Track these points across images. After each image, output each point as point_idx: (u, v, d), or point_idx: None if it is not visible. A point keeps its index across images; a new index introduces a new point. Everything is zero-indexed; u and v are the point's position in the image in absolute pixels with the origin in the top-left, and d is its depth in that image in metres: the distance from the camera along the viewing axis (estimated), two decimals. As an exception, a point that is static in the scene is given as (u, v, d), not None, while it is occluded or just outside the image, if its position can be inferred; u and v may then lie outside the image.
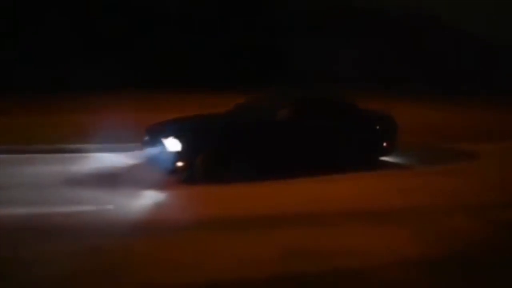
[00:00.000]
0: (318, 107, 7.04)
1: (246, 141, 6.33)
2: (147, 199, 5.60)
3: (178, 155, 6.03)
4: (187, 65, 19.10)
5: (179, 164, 6.03)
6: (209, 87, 16.80)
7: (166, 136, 6.09)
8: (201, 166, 6.04)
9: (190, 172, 6.05)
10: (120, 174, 6.46)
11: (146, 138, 6.52)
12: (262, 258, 3.68)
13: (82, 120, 9.43)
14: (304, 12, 24.14)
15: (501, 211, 5.14)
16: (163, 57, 19.42)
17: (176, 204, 5.59)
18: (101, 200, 5.23)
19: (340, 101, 7.64)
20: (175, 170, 6.07)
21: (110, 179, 6.16)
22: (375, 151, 7.44)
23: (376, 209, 5.08)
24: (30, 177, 6.05)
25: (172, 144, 6.04)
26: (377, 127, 7.53)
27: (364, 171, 6.72)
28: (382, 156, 7.62)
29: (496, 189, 6.12)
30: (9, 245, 3.80)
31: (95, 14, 19.19)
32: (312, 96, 7.70)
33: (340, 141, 7.05)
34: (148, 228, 4.44)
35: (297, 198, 5.46)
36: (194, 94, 15.01)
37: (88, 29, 18.94)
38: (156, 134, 6.33)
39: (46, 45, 17.80)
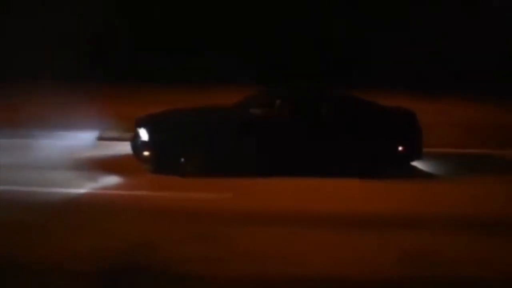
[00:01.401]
0: (304, 106, 6.29)
1: (199, 138, 6.03)
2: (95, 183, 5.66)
3: (145, 145, 6.13)
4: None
5: (145, 153, 6.04)
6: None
7: (141, 126, 6.26)
8: (154, 158, 6.03)
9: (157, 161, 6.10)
10: (105, 160, 6.72)
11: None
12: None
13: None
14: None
15: None
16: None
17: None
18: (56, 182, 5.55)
19: (341, 99, 6.64)
20: (143, 159, 6.18)
21: (90, 164, 6.46)
22: (384, 157, 6.21)
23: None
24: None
25: (142, 134, 6.14)
26: (385, 128, 6.33)
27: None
28: (397, 163, 6.34)
29: None
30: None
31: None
32: (300, 93, 6.84)
33: (325, 143, 6.14)
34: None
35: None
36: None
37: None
38: (139, 124, 6.52)
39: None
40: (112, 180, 5.83)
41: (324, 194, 5.40)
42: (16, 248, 3.71)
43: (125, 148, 6.65)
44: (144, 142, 6.07)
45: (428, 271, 3.55)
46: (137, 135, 6.24)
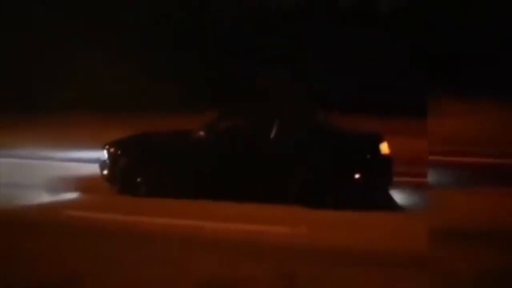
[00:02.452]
0: (236, 131, 6.14)
1: (155, 159, 6.15)
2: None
3: (104, 164, 6.44)
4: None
5: (104, 172, 6.42)
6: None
7: (104, 147, 6.58)
8: (111, 177, 6.27)
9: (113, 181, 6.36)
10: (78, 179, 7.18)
11: None
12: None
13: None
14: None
15: None
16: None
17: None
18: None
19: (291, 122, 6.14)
20: (104, 178, 6.48)
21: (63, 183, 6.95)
22: (335, 185, 5.67)
23: None
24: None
25: (103, 154, 6.49)
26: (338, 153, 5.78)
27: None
28: (354, 192, 5.70)
29: None
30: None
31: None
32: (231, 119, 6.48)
33: (266, 167, 5.84)
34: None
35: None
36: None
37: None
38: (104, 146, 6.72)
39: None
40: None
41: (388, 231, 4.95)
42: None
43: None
44: (103, 161, 6.40)
45: None
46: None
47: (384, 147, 5.83)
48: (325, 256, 4.19)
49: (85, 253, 4.18)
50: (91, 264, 3.92)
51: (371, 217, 5.34)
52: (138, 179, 6.12)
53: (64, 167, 8.34)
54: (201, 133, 6.06)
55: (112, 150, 6.37)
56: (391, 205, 5.89)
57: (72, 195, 6.35)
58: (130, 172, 6.17)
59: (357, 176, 5.66)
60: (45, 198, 6.18)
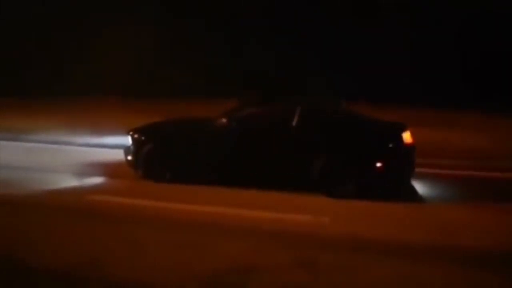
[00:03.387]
0: (258, 119, 6.12)
1: (178, 146, 6.22)
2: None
3: (128, 150, 6.57)
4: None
5: (128, 158, 6.55)
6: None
7: (128, 134, 6.70)
8: (134, 162, 6.40)
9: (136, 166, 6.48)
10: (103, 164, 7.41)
11: None
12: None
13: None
14: None
15: None
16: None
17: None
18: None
19: (313, 111, 6.12)
20: (128, 163, 6.61)
21: (88, 168, 7.19)
22: (357, 174, 5.64)
23: None
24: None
25: (128, 140, 6.61)
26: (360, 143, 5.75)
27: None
28: (375, 181, 5.65)
29: None
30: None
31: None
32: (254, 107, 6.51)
33: (288, 155, 5.85)
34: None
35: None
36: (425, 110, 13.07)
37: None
38: (128, 132, 6.85)
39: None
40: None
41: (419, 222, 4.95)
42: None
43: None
44: (128, 147, 6.53)
45: None
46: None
47: (407, 136, 5.76)
48: (347, 245, 4.17)
49: (110, 236, 4.30)
50: (115, 247, 4.03)
51: (392, 207, 5.34)
52: (162, 166, 6.23)
53: (90, 153, 8.54)
54: (224, 120, 6.10)
55: (136, 136, 6.47)
56: (412, 195, 5.86)
57: (97, 180, 6.54)
58: (154, 159, 6.27)
59: (378, 164, 5.62)
60: (71, 182, 6.36)
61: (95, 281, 3.42)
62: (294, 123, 5.91)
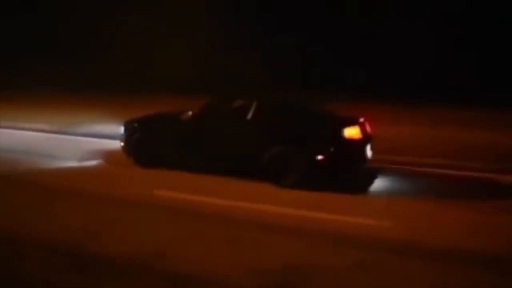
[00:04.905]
0: (221, 112, 6.88)
1: (157, 134, 7.22)
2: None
3: (122, 138, 7.67)
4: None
5: (121, 144, 7.66)
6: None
7: (123, 123, 7.81)
8: (124, 148, 7.54)
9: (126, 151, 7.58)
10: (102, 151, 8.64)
11: None
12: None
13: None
14: None
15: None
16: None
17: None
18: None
19: (268, 104, 6.65)
20: (122, 149, 7.72)
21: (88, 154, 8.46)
22: (299, 165, 6.06)
23: None
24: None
25: (121, 129, 7.73)
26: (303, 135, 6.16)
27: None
28: (316, 172, 6.01)
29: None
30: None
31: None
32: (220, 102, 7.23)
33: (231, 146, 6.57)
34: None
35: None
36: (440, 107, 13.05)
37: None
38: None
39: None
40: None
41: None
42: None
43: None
44: (121, 135, 7.65)
45: None
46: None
47: (349, 132, 6.06)
48: (407, 250, 4.11)
49: (168, 229, 4.60)
50: (174, 240, 4.28)
51: (450, 213, 5.28)
52: (147, 153, 7.26)
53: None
54: (189, 113, 6.93)
55: (128, 126, 7.58)
56: (354, 187, 6.13)
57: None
58: (141, 146, 7.34)
59: (320, 157, 6.01)
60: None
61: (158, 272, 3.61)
62: (249, 116, 6.52)
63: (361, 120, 6.52)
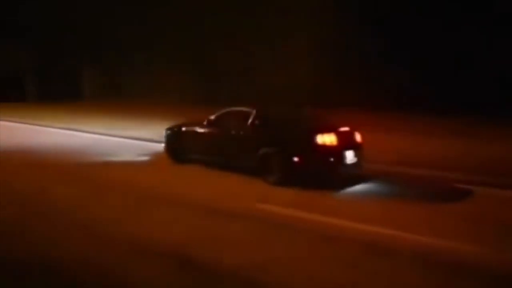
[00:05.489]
0: (230, 119, 8.17)
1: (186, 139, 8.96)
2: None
3: (164, 142, 9.45)
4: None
5: (163, 145, 9.44)
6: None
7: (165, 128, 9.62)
8: (165, 148, 9.33)
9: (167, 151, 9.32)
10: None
11: None
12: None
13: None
14: None
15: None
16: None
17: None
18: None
19: (262, 114, 7.76)
20: (164, 149, 9.49)
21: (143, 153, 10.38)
22: (281, 165, 7.04)
23: None
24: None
25: (164, 134, 9.53)
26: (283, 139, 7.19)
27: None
28: (294, 172, 6.95)
29: None
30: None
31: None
32: (231, 110, 8.34)
33: (235, 146, 7.89)
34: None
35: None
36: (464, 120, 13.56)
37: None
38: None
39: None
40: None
41: None
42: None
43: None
44: (164, 138, 9.48)
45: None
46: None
47: (323, 139, 6.87)
48: None
49: (273, 242, 4.71)
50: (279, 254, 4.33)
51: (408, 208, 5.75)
52: (180, 151, 9.04)
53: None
54: (204, 122, 8.51)
55: (168, 131, 9.38)
56: (333, 187, 6.88)
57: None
58: (173, 145, 9.12)
59: (295, 159, 6.94)
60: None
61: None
62: (248, 122, 7.74)
63: (341, 129, 7.28)
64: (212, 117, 8.49)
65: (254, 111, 7.80)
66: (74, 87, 33.32)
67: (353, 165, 7.23)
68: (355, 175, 7.40)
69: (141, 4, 26.73)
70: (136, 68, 28.74)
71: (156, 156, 9.94)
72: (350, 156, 7.15)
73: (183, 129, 9.14)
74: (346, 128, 7.39)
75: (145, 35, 26.84)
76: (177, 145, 9.09)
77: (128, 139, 12.80)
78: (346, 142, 7.17)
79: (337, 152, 7.00)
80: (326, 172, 7.05)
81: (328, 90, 18.94)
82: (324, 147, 6.90)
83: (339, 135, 7.11)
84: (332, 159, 6.94)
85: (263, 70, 21.56)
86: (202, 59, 24.82)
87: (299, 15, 20.40)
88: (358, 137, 7.50)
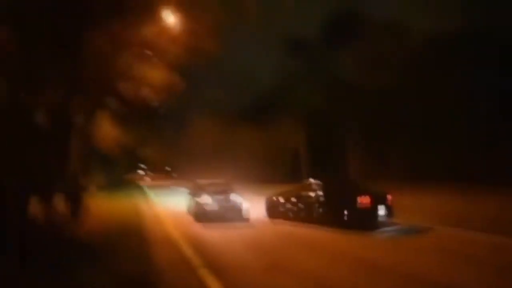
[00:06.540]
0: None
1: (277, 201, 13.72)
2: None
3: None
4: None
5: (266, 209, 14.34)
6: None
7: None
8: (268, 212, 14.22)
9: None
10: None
11: None
12: None
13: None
14: None
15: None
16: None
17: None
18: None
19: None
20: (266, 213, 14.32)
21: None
22: (335, 215, 11.39)
23: None
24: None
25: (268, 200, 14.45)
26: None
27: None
28: (343, 222, 11.16)
29: None
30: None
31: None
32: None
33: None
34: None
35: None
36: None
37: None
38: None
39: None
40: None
41: None
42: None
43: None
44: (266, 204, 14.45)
45: None
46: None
47: (361, 200, 11.08)
48: None
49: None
50: None
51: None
52: (277, 213, 13.81)
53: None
54: (293, 188, 13.28)
55: (269, 198, 14.35)
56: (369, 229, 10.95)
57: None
58: (273, 209, 13.99)
59: (345, 212, 11.23)
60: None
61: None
62: (318, 191, 12.31)
63: (376, 193, 11.48)
64: (296, 186, 13.34)
65: (320, 183, 12.52)
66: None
67: (383, 216, 11.29)
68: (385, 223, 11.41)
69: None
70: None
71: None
72: (381, 212, 11.26)
73: (284, 194, 14.06)
74: (379, 192, 11.66)
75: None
76: (277, 207, 13.95)
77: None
78: (377, 202, 11.32)
79: (371, 209, 11.17)
80: (366, 222, 11.21)
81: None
82: (362, 207, 11.17)
83: (373, 197, 11.31)
84: (369, 214, 11.12)
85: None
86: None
87: None
88: (388, 197, 11.61)
